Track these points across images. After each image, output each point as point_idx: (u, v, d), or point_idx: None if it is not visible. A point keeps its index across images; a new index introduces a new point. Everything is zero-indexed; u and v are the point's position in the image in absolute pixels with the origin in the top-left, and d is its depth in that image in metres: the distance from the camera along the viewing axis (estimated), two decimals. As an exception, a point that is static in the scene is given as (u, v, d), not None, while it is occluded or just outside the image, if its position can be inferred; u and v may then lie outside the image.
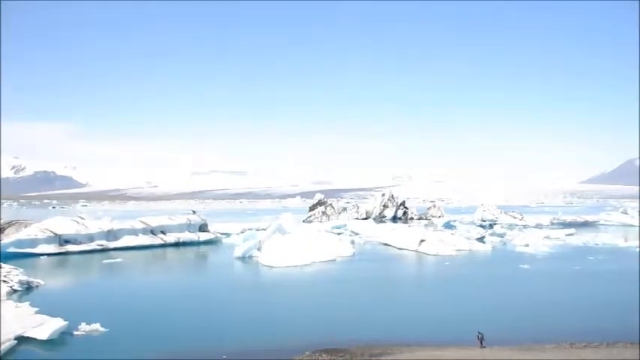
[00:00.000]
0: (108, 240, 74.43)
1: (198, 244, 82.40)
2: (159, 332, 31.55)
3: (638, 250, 74.23)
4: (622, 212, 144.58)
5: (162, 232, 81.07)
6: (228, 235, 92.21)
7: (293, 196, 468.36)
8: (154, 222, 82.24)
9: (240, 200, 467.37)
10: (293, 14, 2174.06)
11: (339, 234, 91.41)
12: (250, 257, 65.32)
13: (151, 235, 79.63)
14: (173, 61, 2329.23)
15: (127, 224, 79.54)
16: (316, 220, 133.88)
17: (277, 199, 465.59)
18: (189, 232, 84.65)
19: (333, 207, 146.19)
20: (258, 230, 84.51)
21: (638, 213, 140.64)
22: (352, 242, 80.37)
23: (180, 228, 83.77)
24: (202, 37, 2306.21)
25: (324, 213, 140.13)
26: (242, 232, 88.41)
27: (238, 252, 66.34)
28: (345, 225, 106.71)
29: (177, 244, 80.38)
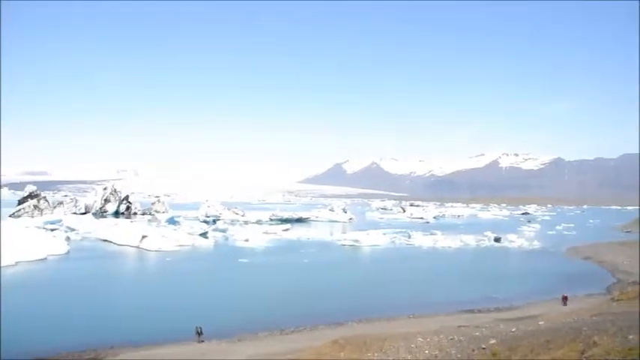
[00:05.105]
0: None
1: None
2: None
3: (340, 243, 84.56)
4: (329, 210, 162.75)
5: None
6: None
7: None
8: None
9: None
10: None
11: (52, 230, 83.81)
12: None
13: None
14: None
15: None
16: (26, 214, 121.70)
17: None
18: None
19: (47, 200, 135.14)
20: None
21: (342, 210, 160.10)
22: (68, 239, 74.93)
23: None
24: None
25: (36, 207, 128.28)
26: None
27: None
28: (61, 220, 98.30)
29: None
